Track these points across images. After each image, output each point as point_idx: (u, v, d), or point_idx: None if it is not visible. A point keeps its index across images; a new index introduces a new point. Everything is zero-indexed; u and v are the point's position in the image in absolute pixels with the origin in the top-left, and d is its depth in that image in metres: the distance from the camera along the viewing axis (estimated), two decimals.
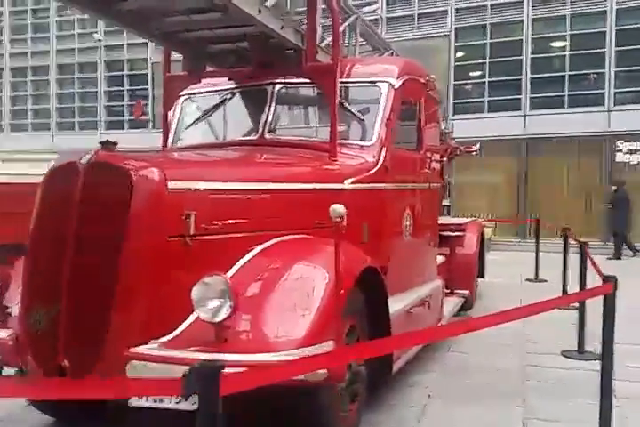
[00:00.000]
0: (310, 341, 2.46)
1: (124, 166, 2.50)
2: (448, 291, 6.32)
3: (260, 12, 3.04)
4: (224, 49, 3.73)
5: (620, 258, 12.64)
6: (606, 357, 2.94)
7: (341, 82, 4.10)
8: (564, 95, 14.13)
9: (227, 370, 1.68)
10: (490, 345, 5.38)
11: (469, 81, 15.26)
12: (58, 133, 19.91)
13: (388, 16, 15.52)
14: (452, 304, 5.86)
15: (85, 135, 18.50)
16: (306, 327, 2.50)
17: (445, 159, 7.99)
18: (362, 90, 4.13)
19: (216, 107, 4.36)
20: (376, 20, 15.26)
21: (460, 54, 15.28)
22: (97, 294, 2.47)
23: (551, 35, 14.35)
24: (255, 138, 4.07)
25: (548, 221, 14.61)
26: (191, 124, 4.41)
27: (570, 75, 14.06)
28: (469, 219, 7.82)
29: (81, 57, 19.86)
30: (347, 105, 4.02)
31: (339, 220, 2.28)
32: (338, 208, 2.27)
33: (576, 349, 5.12)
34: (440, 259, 5.84)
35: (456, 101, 15.21)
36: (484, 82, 14.95)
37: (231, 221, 2.81)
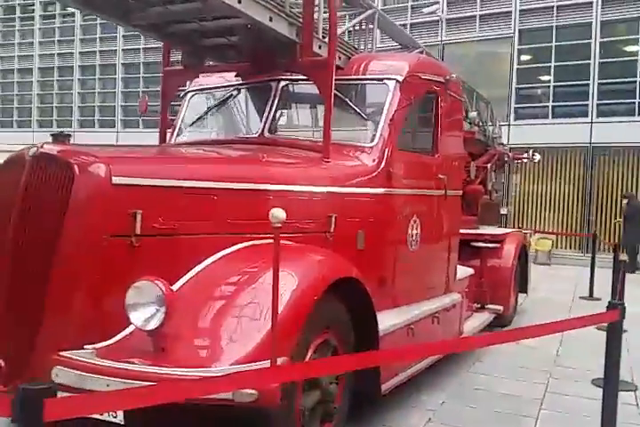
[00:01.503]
0: (252, 357, 2.23)
1: (66, 159, 2.36)
2: (478, 306, 5.96)
3: (239, 1, 2.85)
4: (220, 43, 3.57)
5: (634, 272, 12.02)
6: (608, 393, 2.56)
7: (347, 79, 3.87)
8: (635, 102, 13.25)
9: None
10: (514, 367, 4.98)
11: (533, 85, 14.57)
12: (78, 130, 20.60)
13: (448, 17, 15.06)
14: (478, 320, 5.49)
15: (104, 133, 19.31)
16: (249, 342, 2.28)
17: (490, 166, 7.58)
18: (368, 87, 3.88)
19: (220, 103, 4.21)
20: (436, 21, 14.93)
21: (523, 57, 14.63)
22: (32, 291, 2.34)
23: (622, 38, 13.50)
24: (255, 136, 3.88)
25: (614, 234, 13.82)
26: (195, 121, 4.27)
27: None
28: (511, 229, 7.35)
29: (102, 59, 20.64)
30: (350, 103, 3.78)
31: (278, 225, 2.04)
32: (277, 212, 2.04)
33: None
34: (466, 271, 5.48)
35: (518, 106, 14.57)
36: (549, 86, 14.24)
37: (190, 223, 2.62)
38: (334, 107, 3.89)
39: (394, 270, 3.76)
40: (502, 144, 8.34)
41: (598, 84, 13.57)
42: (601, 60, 13.52)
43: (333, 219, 3.23)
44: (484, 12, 14.77)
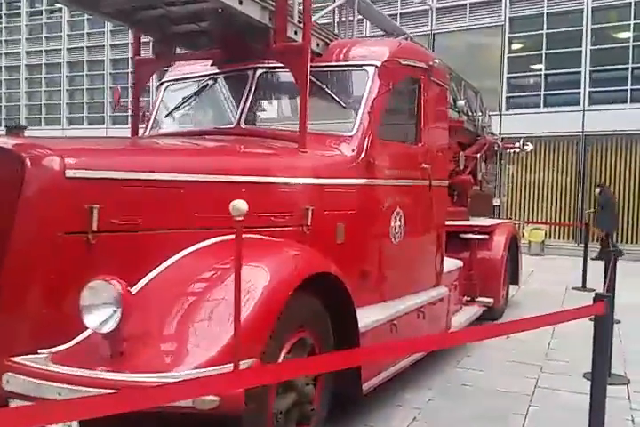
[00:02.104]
0: (217, 360, 2.09)
1: (17, 152, 2.20)
2: (468, 299, 5.84)
3: None
4: (191, 29, 3.40)
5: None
6: (597, 388, 2.43)
7: (325, 66, 3.72)
8: (627, 90, 13.12)
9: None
10: (504, 361, 4.86)
11: (524, 74, 14.40)
12: (67, 128, 20.39)
13: (438, 6, 14.86)
14: (466, 314, 5.37)
15: (93, 130, 19.21)
16: (213, 344, 2.13)
17: (480, 155, 7.44)
18: (347, 74, 3.72)
19: (196, 94, 4.05)
20: (426, 10, 14.74)
21: (514, 46, 14.46)
22: None
23: (614, 24, 13.34)
24: (231, 127, 3.73)
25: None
26: (170, 112, 4.12)
27: (633, 67, 13.02)
28: (501, 220, 7.22)
29: (89, 55, 20.49)
30: (329, 91, 3.63)
31: (240, 218, 1.90)
32: (238, 204, 1.89)
33: None
34: (455, 264, 5.36)
35: (510, 95, 14.41)
36: (540, 75, 14.09)
37: (153, 217, 2.46)
38: (312, 95, 3.75)
39: (376, 264, 3.63)
40: (492, 133, 8.20)
41: (590, 71, 13.43)
42: (592, 48, 13.37)
43: (310, 212, 3.09)
44: (474, 0, 14.58)
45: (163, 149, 2.85)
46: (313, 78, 3.69)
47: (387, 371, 3.46)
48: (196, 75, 4.09)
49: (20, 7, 21.61)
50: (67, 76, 21.10)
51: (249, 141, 3.37)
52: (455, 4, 14.77)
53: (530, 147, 14.35)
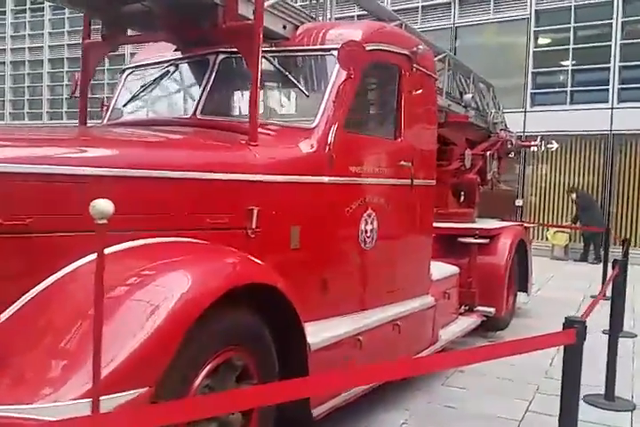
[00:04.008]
0: (104, 388, 1.74)
1: None
2: (466, 308, 5.41)
3: None
4: (139, 10, 3.07)
5: (591, 261, 12.34)
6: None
7: (290, 50, 3.36)
8: None
9: None
10: (499, 379, 4.43)
11: (550, 69, 13.76)
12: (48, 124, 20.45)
13: None
14: (461, 325, 4.93)
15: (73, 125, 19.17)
16: (91, 370, 1.78)
17: (489, 154, 6.98)
18: (314, 60, 3.34)
19: (155, 81, 3.72)
20: (448, 3, 14.21)
21: (540, 40, 13.82)
22: None
23: None
24: (186, 117, 3.39)
25: (638, 228, 13.00)
26: (129, 101, 3.79)
27: None
28: (511, 223, 6.75)
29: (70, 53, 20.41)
30: (291, 78, 3.26)
31: (103, 222, 1.54)
32: (100, 205, 1.54)
33: (603, 393, 4.07)
34: (450, 271, 4.94)
35: (535, 91, 13.79)
36: (567, 70, 13.43)
37: (49, 218, 2.13)
38: (276, 83, 3.40)
39: (340, 272, 3.24)
40: (505, 130, 7.69)
41: (620, 67, 12.73)
42: (623, 42, 12.67)
43: (255, 212, 2.72)
44: None
45: (71, 140, 2.50)
46: (277, 64, 3.35)
47: (347, 393, 3.07)
48: (158, 61, 3.76)
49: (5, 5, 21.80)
50: (48, 73, 21.18)
51: (194, 133, 3.03)
52: None
53: (555, 145, 13.74)
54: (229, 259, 2.39)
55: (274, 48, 3.31)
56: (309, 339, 2.73)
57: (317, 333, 2.91)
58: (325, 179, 3.07)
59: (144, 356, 1.87)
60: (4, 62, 22.09)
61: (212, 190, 2.60)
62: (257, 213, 2.73)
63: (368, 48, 3.29)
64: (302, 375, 2.64)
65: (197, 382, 2.17)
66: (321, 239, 3.09)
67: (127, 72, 3.94)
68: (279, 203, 2.86)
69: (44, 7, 20.18)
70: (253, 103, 2.87)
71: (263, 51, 3.27)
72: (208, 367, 2.23)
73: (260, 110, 3.27)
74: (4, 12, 21.87)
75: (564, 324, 2.03)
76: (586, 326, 1.99)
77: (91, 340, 1.82)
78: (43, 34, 21.22)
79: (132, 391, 1.80)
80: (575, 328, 1.91)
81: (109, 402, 1.69)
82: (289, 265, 2.92)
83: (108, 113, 3.83)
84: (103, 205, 1.54)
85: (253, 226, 2.73)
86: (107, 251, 2.17)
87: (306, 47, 3.31)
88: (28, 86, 21.87)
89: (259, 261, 2.51)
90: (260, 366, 2.51)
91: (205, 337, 2.16)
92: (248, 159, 2.77)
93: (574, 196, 12.82)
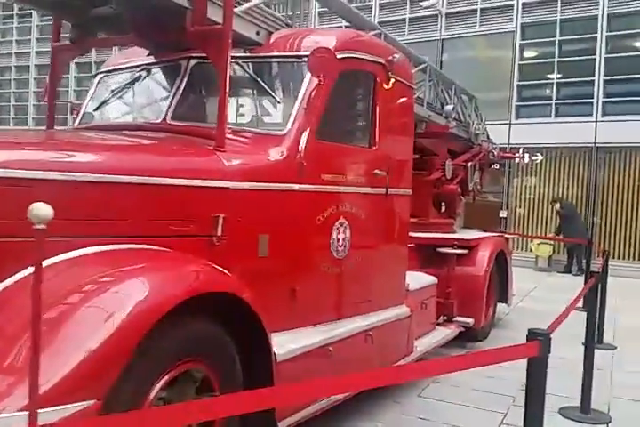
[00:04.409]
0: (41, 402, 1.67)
1: None
2: (444, 319, 5.37)
3: None
4: (107, 13, 3.03)
5: (575, 272, 12.41)
6: None
7: (263, 56, 3.33)
8: None
9: None
10: (473, 391, 4.38)
11: (536, 82, 13.86)
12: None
13: (448, 11, 14.38)
14: (437, 336, 4.89)
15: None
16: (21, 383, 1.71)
17: (471, 165, 6.98)
18: (287, 67, 3.31)
19: (127, 85, 3.67)
20: (435, 15, 14.30)
21: (525, 53, 13.93)
22: None
23: (630, 31, 12.75)
24: (157, 122, 3.34)
25: (622, 240, 13.07)
26: (100, 105, 3.74)
27: None
28: (490, 233, 6.73)
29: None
30: (263, 84, 3.22)
31: (41, 227, 1.48)
32: (38, 209, 1.48)
33: (579, 405, 4.03)
34: (427, 281, 4.90)
35: (520, 104, 13.87)
36: (552, 84, 13.53)
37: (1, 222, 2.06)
38: (247, 89, 3.37)
39: (311, 282, 3.19)
40: (488, 141, 7.71)
41: (604, 80, 12.84)
42: (607, 56, 12.80)
43: (221, 220, 2.67)
44: (485, 6, 14.06)
45: (23, 143, 2.44)
46: (249, 70, 3.32)
47: (316, 404, 3.01)
48: (130, 65, 3.71)
49: None
50: (34, 79, 21.15)
51: (160, 138, 2.98)
52: (466, 9, 14.28)
53: (539, 157, 13.83)
54: (189, 267, 2.33)
55: (246, 54, 3.28)
56: (276, 350, 2.68)
57: (285, 343, 2.85)
58: (295, 186, 3.03)
59: (91, 367, 1.80)
60: None
61: (175, 196, 2.54)
62: (222, 221, 2.67)
63: (342, 55, 3.27)
64: (267, 386, 2.58)
65: (152, 394, 2.10)
66: (290, 248, 3.03)
67: (99, 76, 3.89)
68: (246, 210, 2.81)
69: (31, 13, 20.12)
70: (221, 109, 2.83)
71: (235, 57, 3.26)
72: (164, 379, 2.16)
73: (232, 117, 3.23)
74: None
75: (527, 336, 1.99)
76: (550, 339, 1.94)
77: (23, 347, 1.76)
78: (30, 40, 21.18)
79: (77, 404, 1.73)
80: (539, 341, 1.87)
81: (50, 415, 1.63)
82: (256, 274, 2.86)
83: (79, 117, 3.77)
84: (41, 209, 1.48)
85: (219, 233, 2.67)
86: (58, 258, 2.14)
87: (279, 53, 3.28)
88: (14, 92, 21.79)
89: (222, 270, 2.46)
90: (222, 378, 2.45)
91: (161, 348, 2.10)
92: (214, 165, 2.72)
93: (558, 206, 12.89)
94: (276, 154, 2.98)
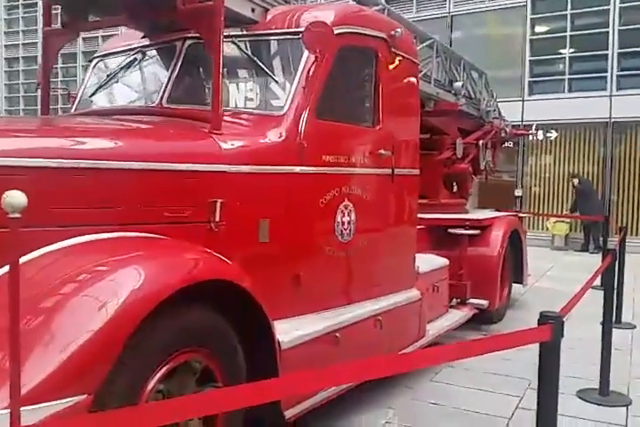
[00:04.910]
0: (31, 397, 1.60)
1: None
2: (458, 301, 5.26)
3: None
4: None
5: (592, 250, 12.17)
6: None
7: (259, 34, 3.20)
8: None
9: None
10: (487, 375, 4.28)
11: (548, 57, 13.53)
12: None
13: None
14: (451, 319, 4.78)
15: None
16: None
17: (482, 143, 6.81)
18: (284, 44, 3.18)
19: (122, 69, 3.57)
20: None
21: (537, 28, 13.58)
22: None
23: None
24: (153, 106, 3.24)
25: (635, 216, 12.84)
26: (96, 90, 3.64)
27: None
28: (503, 213, 6.58)
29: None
30: (260, 63, 3.10)
31: (15, 216, 1.39)
32: (11, 197, 1.38)
33: (598, 387, 3.92)
34: (439, 263, 4.79)
35: (533, 80, 13.57)
36: (565, 58, 13.21)
37: None
38: (244, 69, 3.25)
39: (315, 267, 3.09)
40: (498, 118, 7.52)
41: (618, 54, 12.50)
42: (620, 28, 12.44)
43: (218, 205, 2.57)
44: None
45: (7, 129, 2.34)
46: (245, 49, 3.19)
47: (323, 393, 2.93)
48: (126, 49, 3.60)
49: None
50: (22, 71, 21.18)
51: (154, 122, 2.87)
52: None
53: (554, 134, 13.58)
54: (184, 254, 2.24)
55: (241, 32, 3.15)
56: (280, 337, 2.60)
57: (290, 331, 2.77)
58: (296, 169, 2.92)
59: (80, 361, 1.72)
60: None
61: (169, 182, 2.45)
62: (220, 206, 2.58)
63: (341, 30, 3.14)
64: (272, 376, 2.51)
65: (149, 387, 2.03)
66: (293, 233, 2.93)
67: (95, 61, 3.79)
68: (245, 195, 2.71)
69: (37, 2, 19.99)
70: (216, 90, 2.71)
71: (231, 35, 3.14)
72: (162, 371, 2.08)
73: (230, 98, 3.12)
74: None
75: (538, 320, 1.87)
76: (562, 322, 1.83)
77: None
78: (37, 30, 21.08)
79: (65, 400, 1.66)
80: (551, 324, 1.76)
81: (35, 413, 1.55)
82: (257, 260, 2.78)
83: (75, 103, 3.68)
84: (15, 198, 1.39)
85: (217, 219, 2.58)
86: (46, 249, 2.06)
87: (276, 31, 3.15)
88: (22, 83, 21.77)
89: (221, 257, 2.37)
90: (224, 368, 2.37)
91: (156, 339, 2.02)
92: (209, 149, 2.62)
93: (576, 181, 12.58)
94: (274, 135, 2.87)
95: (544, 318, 1.82)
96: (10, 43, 21.77)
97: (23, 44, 21.47)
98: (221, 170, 2.62)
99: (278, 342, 2.57)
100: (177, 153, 2.52)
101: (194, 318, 2.21)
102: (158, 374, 2.07)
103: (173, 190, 2.47)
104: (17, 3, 21.20)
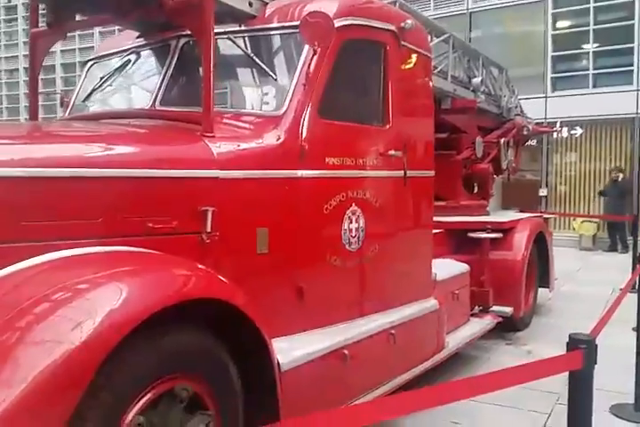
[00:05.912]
0: None
1: None
2: (480, 309, 4.99)
3: None
4: None
5: (620, 250, 11.80)
6: None
7: (257, 29, 2.98)
8: None
9: None
10: (519, 387, 3.98)
11: (570, 52, 13.13)
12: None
13: None
14: (472, 328, 4.51)
15: None
16: None
17: (504, 141, 6.52)
18: (283, 39, 2.96)
19: (117, 71, 3.38)
20: None
21: (559, 22, 13.20)
22: None
23: None
24: (146, 108, 3.04)
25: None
26: (90, 93, 3.46)
27: None
28: (527, 214, 6.28)
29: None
30: (256, 60, 2.88)
31: None
32: None
33: (633, 402, 3.63)
34: (459, 269, 4.52)
35: (555, 76, 13.19)
36: (589, 53, 12.81)
37: None
38: (241, 66, 3.05)
39: (320, 278, 2.86)
40: (522, 115, 7.21)
41: None
42: None
43: (210, 214, 2.35)
44: None
45: None
46: (242, 46, 2.98)
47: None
48: (120, 50, 3.42)
49: None
50: (24, 81, 21.19)
51: (142, 126, 2.67)
52: None
53: (579, 131, 13.17)
54: (171, 270, 2.02)
55: (239, 28, 2.94)
56: (280, 358, 2.37)
57: (292, 350, 2.54)
58: (297, 173, 2.69)
59: (42, 396, 1.52)
60: None
61: (153, 190, 2.24)
62: (212, 215, 2.36)
63: (345, 22, 2.92)
64: (272, 400, 2.29)
65: (128, 419, 1.81)
66: (294, 242, 2.71)
67: (89, 64, 3.61)
68: (240, 202, 2.49)
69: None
70: (207, 90, 2.50)
71: (226, 31, 2.94)
72: (143, 401, 1.87)
73: (225, 98, 2.91)
74: None
75: (567, 343, 1.61)
76: (596, 345, 1.57)
77: None
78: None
79: None
80: (582, 350, 1.50)
81: None
82: (255, 272, 2.56)
83: (69, 108, 3.51)
84: None
85: (208, 229, 2.36)
86: (19, 265, 1.86)
87: (275, 25, 2.93)
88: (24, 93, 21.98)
89: (211, 272, 2.15)
90: (216, 394, 2.14)
91: (134, 367, 1.81)
92: (199, 153, 2.40)
93: (621, 176, 12.05)
94: (272, 137, 2.65)
95: (574, 342, 1.56)
96: (9, 55, 21.90)
97: (25, 55, 21.62)
98: (213, 175, 2.41)
99: (278, 364, 2.34)
100: (163, 158, 2.31)
101: (181, 341, 2.00)
102: (138, 405, 1.85)
103: (158, 199, 2.26)
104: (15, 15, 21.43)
